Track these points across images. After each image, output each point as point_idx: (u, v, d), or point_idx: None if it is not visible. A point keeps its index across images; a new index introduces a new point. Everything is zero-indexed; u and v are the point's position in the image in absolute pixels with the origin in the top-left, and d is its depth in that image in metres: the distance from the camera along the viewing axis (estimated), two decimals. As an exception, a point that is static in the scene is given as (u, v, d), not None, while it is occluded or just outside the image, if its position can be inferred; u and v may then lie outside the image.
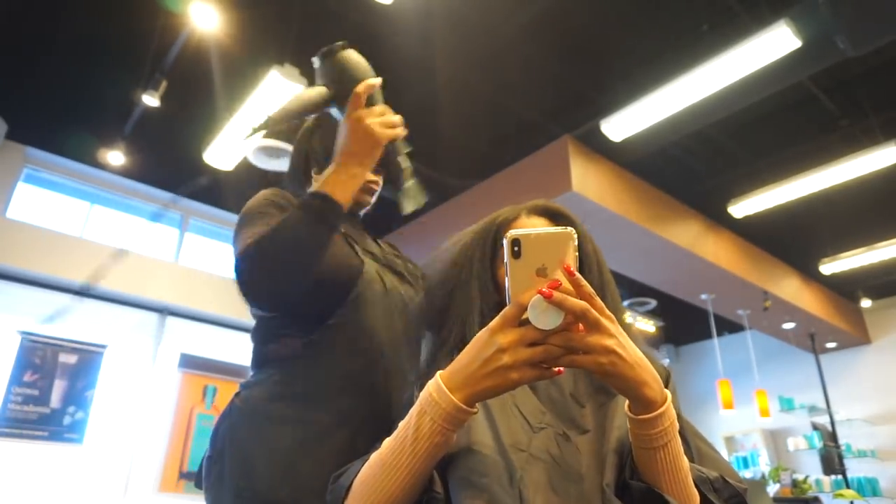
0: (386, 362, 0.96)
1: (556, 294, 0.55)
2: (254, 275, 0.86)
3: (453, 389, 0.58)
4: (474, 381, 0.57)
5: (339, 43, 0.92)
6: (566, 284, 0.56)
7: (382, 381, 0.96)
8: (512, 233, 0.58)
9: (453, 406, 0.57)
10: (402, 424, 0.63)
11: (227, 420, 0.94)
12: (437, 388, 0.59)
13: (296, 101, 0.91)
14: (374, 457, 0.65)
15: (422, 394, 0.61)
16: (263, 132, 0.89)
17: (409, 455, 0.60)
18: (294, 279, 0.88)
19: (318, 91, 0.92)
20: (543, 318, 0.55)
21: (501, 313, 0.57)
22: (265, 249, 0.85)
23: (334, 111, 0.95)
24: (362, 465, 0.66)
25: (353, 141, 0.88)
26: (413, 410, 0.61)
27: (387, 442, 0.64)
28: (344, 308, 0.95)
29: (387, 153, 0.94)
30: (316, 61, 0.93)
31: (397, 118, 0.92)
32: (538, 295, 0.55)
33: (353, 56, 0.93)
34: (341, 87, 0.90)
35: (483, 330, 0.59)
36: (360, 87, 0.87)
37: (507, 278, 0.58)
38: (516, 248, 0.58)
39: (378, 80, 0.89)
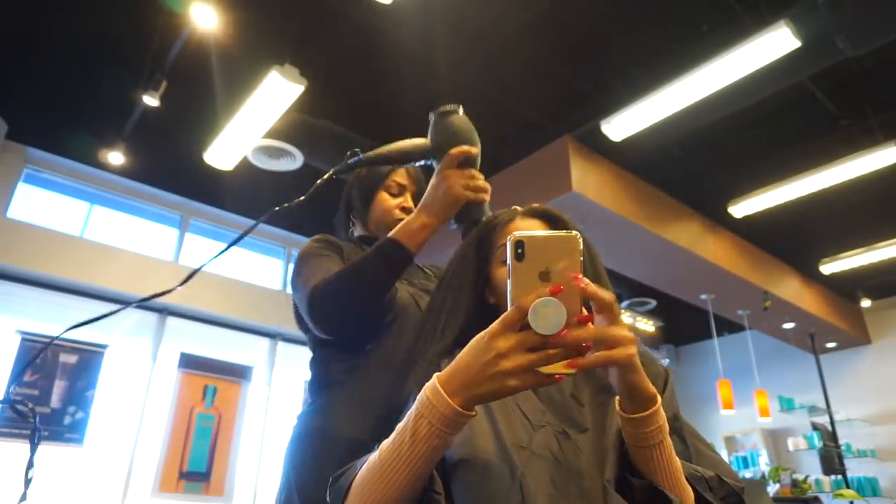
0: None
1: (585, 281, 0.55)
2: (328, 309, 0.94)
3: (451, 393, 0.56)
4: (472, 385, 0.55)
5: (454, 107, 0.98)
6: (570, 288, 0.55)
7: None
8: (516, 234, 0.56)
9: (451, 410, 0.56)
10: (399, 427, 0.61)
11: (287, 448, 1.01)
12: (434, 392, 0.57)
13: (394, 148, 0.98)
14: (373, 458, 0.64)
15: (419, 396, 0.59)
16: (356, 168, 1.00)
17: (407, 458, 0.58)
18: (362, 313, 0.97)
19: (417, 143, 0.99)
20: (545, 323, 0.53)
21: (501, 317, 0.55)
22: (340, 287, 0.94)
23: (434, 163, 1.02)
24: (362, 466, 0.66)
25: (435, 194, 0.96)
26: (410, 413, 0.59)
27: (385, 444, 0.63)
28: (380, 333, 1.02)
29: (469, 211, 0.99)
30: (431, 116, 1.00)
31: (484, 184, 0.98)
32: (540, 299, 0.53)
33: (462, 121, 0.99)
34: (442, 144, 0.97)
35: (482, 333, 0.57)
36: (455, 150, 0.95)
37: (508, 280, 0.56)
38: (520, 251, 0.55)
39: (475, 150, 0.97)
